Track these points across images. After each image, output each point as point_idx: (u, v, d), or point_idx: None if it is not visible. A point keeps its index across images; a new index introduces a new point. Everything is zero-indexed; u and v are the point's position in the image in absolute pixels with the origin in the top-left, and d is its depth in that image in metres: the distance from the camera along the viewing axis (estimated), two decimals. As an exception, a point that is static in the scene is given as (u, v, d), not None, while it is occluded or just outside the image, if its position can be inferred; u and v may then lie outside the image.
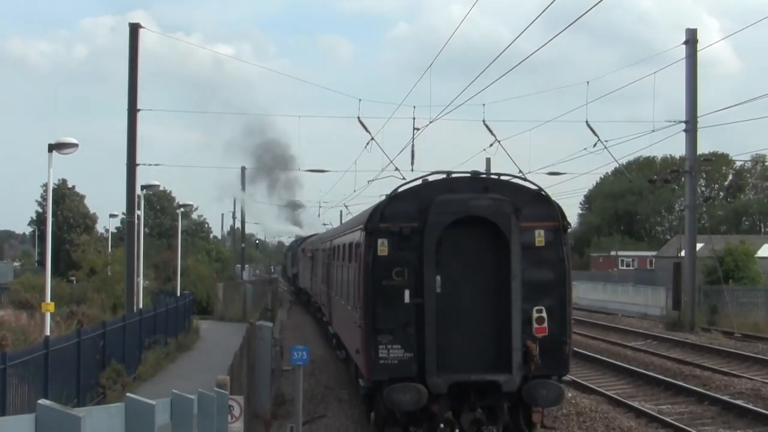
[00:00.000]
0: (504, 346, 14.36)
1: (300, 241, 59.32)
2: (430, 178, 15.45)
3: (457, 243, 14.62)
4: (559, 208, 15.22)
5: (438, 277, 14.46)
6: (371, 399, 15.75)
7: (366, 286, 14.71)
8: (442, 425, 14.47)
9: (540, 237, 14.76)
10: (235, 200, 75.90)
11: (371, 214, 15.18)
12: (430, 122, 34.59)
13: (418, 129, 34.24)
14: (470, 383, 14.38)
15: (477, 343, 14.57)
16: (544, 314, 14.48)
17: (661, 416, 18.07)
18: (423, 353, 14.27)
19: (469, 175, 15.36)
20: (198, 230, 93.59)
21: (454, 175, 15.29)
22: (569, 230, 15.71)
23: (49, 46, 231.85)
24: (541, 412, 14.89)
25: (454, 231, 14.48)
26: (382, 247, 14.65)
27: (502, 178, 15.58)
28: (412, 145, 34.70)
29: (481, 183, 15.12)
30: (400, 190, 15.07)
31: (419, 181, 15.54)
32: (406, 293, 14.48)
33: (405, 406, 14.21)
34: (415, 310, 14.39)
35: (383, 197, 15.72)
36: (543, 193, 15.26)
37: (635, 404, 19.45)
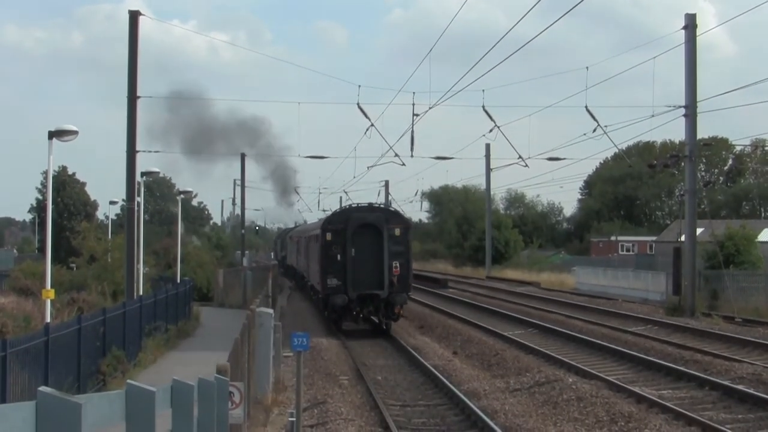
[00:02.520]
0: (381, 278, 31.59)
1: (287, 231, 78.32)
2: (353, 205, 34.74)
3: (361, 234, 31.71)
4: (407, 218, 33.96)
5: (352, 249, 31.54)
6: (325, 303, 33.27)
7: (321, 253, 32.26)
8: (354, 313, 32.11)
9: (398, 232, 31.89)
10: (234, 186, 75.87)
11: (324, 221, 34.09)
12: (430, 108, 34.85)
13: (417, 115, 34.57)
14: (366, 294, 31.74)
15: (369, 277, 31.58)
16: (398, 265, 31.68)
17: (662, 401, 18.05)
18: (346, 281, 31.56)
19: (367, 204, 33.61)
20: (198, 217, 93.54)
21: (360, 205, 33.51)
22: (411, 227, 34.07)
23: (47, 33, 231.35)
24: (399, 308, 32.09)
25: (359, 230, 31.72)
26: (329, 236, 31.94)
27: (382, 206, 32.24)
28: (412, 131, 34.95)
29: (372, 209, 33.29)
30: (336, 211, 33.71)
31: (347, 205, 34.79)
32: (338, 256, 31.65)
33: (338, 305, 31.75)
34: (343, 263, 31.60)
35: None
36: (399, 212, 35.94)
37: (636, 389, 19.42)
